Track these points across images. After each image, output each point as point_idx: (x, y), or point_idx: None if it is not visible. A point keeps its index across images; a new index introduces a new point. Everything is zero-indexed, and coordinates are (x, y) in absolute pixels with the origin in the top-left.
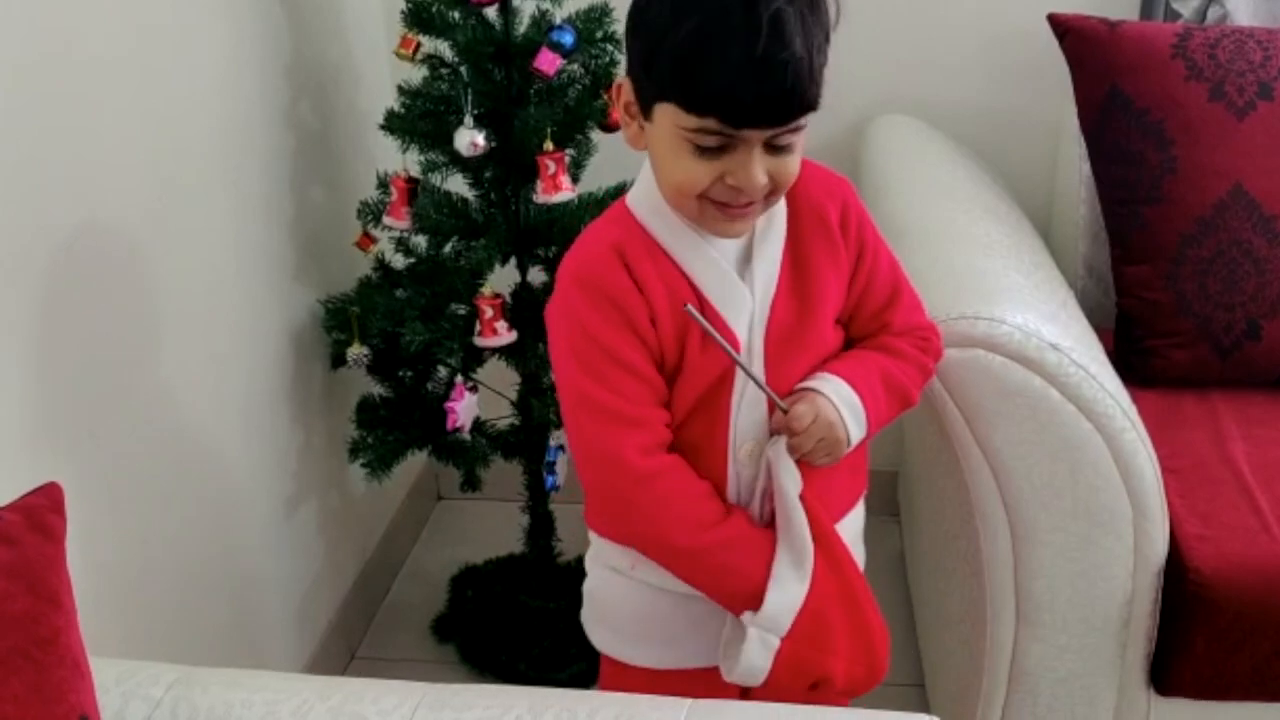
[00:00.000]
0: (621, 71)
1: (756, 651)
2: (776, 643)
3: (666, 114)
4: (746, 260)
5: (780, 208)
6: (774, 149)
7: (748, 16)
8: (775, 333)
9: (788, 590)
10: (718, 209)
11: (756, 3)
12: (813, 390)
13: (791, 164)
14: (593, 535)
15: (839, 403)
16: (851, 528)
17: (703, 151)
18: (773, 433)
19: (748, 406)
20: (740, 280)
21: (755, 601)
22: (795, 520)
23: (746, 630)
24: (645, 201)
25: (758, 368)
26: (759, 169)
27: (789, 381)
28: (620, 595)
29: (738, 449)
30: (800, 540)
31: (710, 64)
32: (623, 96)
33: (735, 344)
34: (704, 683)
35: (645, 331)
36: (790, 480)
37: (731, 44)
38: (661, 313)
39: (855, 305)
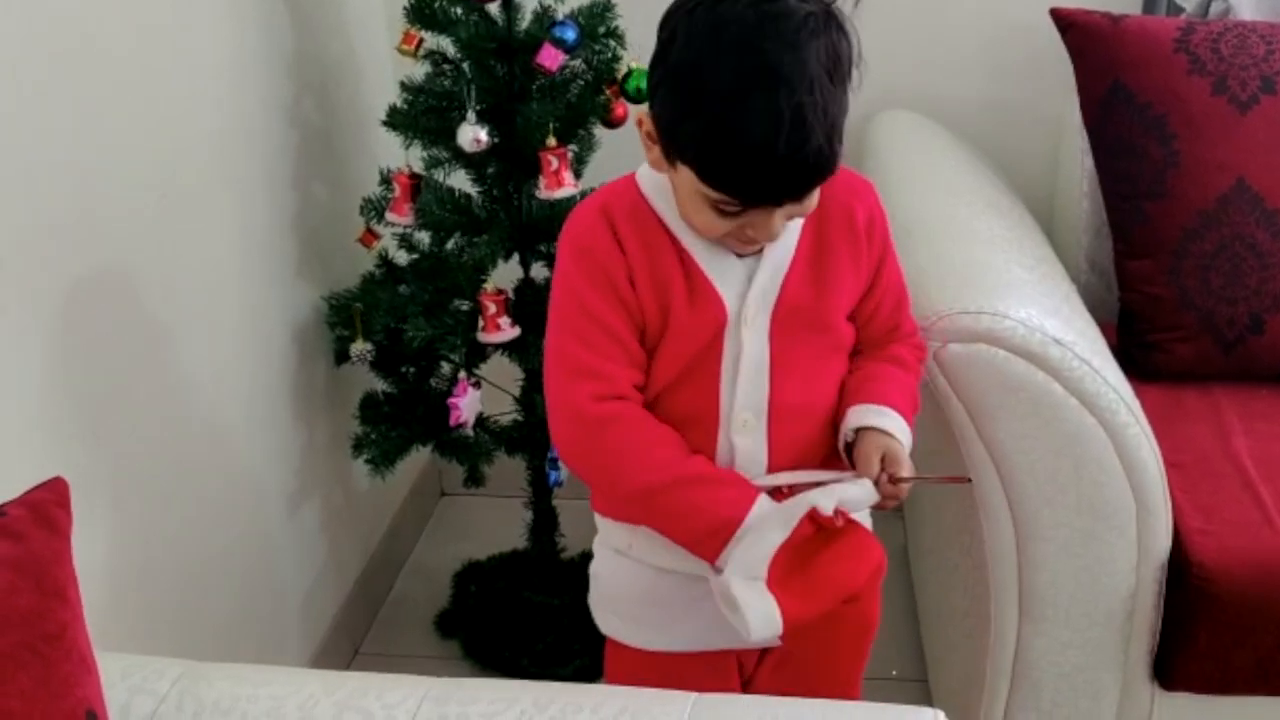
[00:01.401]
0: (624, 68)
1: (749, 598)
2: (762, 580)
3: (688, 173)
4: None
5: None
6: (794, 200)
7: (767, 110)
8: (784, 308)
9: (764, 537)
10: (736, 241)
11: (776, 94)
12: (885, 434)
13: (810, 202)
14: (597, 517)
15: (905, 441)
16: None
17: (723, 212)
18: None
19: (746, 375)
20: (734, 255)
21: (720, 538)
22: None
23: (729, 586)
24: (652, 179)
25: (759, 338)
26: (779, 224)
27: (794, 357)
28: (622, 577)
29: (733, 418)
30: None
31: (729, 157)
32: (645, 126)
33: (722, 309)
34: (707, 666)
35: (625, 291)
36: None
37: (750, 138)
38: (640, 271)
39: (871, 311)
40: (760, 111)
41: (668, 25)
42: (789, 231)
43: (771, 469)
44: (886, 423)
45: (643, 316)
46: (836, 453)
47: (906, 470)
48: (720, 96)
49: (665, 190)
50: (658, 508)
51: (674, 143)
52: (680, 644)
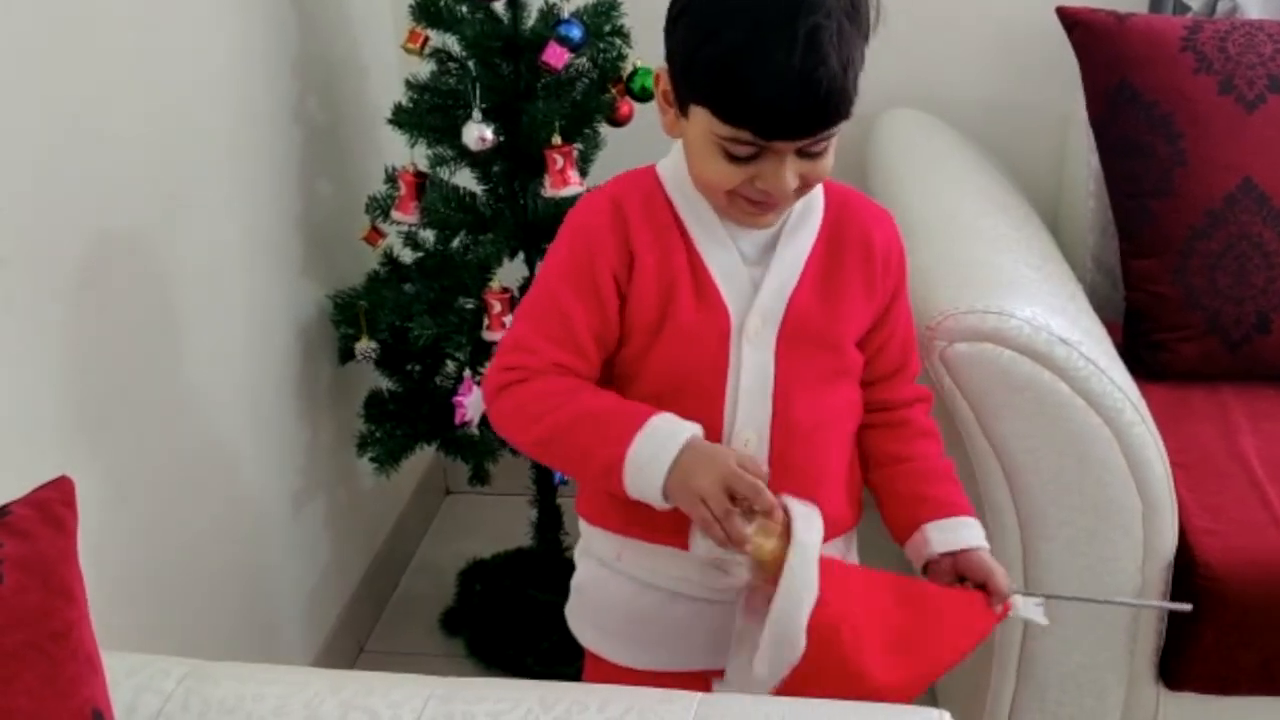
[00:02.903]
0: (629, 66)
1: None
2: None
3: (701, 117)
4: (771, 247)
5: (817, 206)
6: (806, 154)
7: (784, 32)
8: (792, 323)
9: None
10: (746, 203)
11: (795, 18)
12: (980, 550)
13: (823, 165)
14: (582, 524)
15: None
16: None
17: (735, 157)
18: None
19: (749, 391)
20: (741, 258)
21: (614, 477)
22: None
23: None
24: (672, 170)
25: (762, 353)
26: (790, 175)
27: (801, 375)
28: (607, 591)
29: (733, 438)
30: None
31: (745, 80)
32: (661, 84)
33: (725, 317)
34: (688, 686)
35: (604, 287)
36: None
37: (768, 60)
38: (645, 259)
39: (881, 344)
40: (776, 33)
41: None
42: (798, 243)
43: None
44: (982, 537)
45: (633, 308)
46: (841, 482)
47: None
48: (736, 22)
49: (684, 183)
50: (558, 455)
51: (688, 80)
52: (662, 663)
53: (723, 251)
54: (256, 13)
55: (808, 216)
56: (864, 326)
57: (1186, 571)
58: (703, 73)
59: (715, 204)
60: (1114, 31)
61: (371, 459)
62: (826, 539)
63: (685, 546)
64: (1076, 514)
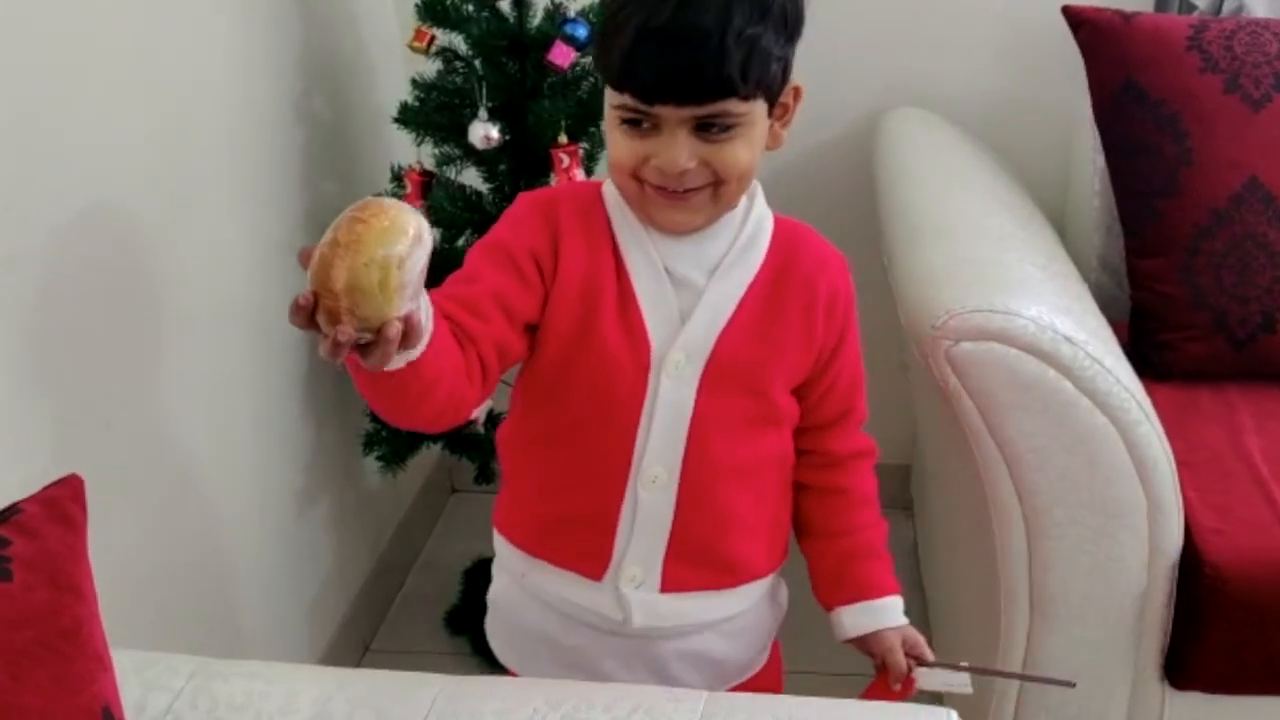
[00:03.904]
0: None
1: None
2: None
3: (607, 94)
4: (709, 276)
5: (762, 242)
6: (706, 134)
7: None
8: (717, 362)
9: None
10: (656, 192)
11: None
12: (884, 631)
13: (731, 153)
14: (496, 536)
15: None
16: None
17: (630, 130)
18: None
19: (661, 425)
20: (672, 286)
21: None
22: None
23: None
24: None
25: (681, 388)
26: (681, 152)
27: (720, 416)
28: (517, 608)
29: (643, 471)
30: None
31: (619, 36)
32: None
33: (646, 348)
34: None
35: (520, 257)
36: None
37: (643, 17)
38: (571, 267)
39: (824, 392)
40: None
41: None
42: (735, 278)
43: (675, 532)
44: (893, 616)
45: (553, 310)
46: (754, 529)
47: (930, 653)
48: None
49: (621, 203)
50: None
51: (596, 65)
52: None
53: (652, 275)
54: (261, 11)
55: (749, 252)
56: (800, 375)
57: (1192, 571)
58: (598, 45)
59: (629, 197)
60: (1120, 30)
61: (377, 458)
62: (734, 583)
63: (592, 574)
64: (1082, 513)
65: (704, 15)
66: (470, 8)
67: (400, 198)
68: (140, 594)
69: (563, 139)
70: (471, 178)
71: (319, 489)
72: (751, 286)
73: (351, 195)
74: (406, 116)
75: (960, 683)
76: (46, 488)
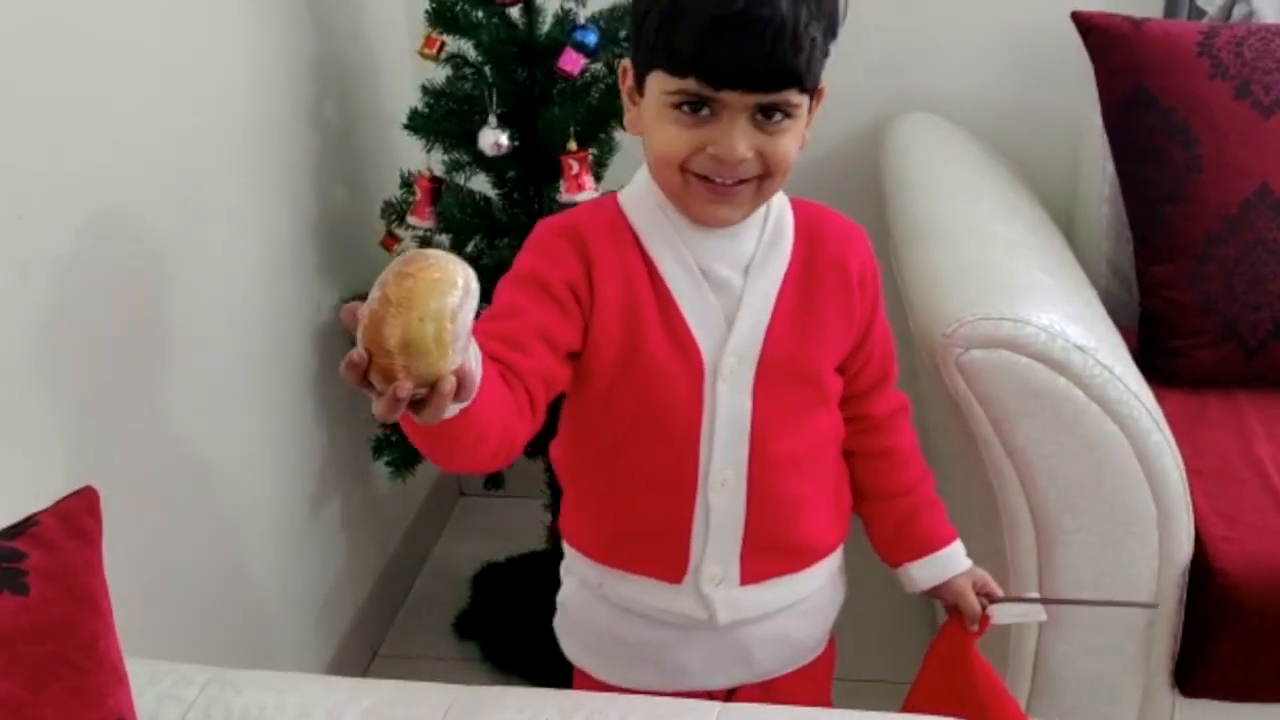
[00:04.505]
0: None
1: None
2: None
3: (653, 82)
4: (742, 271)
5: (787, 231)
6: (763, 124)
7: None
8: (769, 361)
9: None
10: (702, 185)
11: None
12: (954, 579)
13: (782, 144)
14: (566, 545)
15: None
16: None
17: (685, 118)
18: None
19: (724, 431)
20: (710, 287)
21: None
22: None
23: None
24: (633, 194)
25: (738, 393)
26: (741, 140)
27: (778, 412)
28: (590, 610)
29: (711, 476)
30: None
31: (689, 20)
32: (626, 79)
33: (698, 359)
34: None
35: (557, 289)
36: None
37: (706, 3)
38: (609, 289)
39: (862, 364)
40: None
41: None
42: (769, 273)
43: (749, 528)
44: (959, 563)
45: (597, 339)
46: (823, 509)
47: (998, 588)
48: None
49: (646, 205)
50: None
51: (640, 45)
52: (648, 683)
53: (689, 281)
54: (272, 18)
55: (777, 243)
56: (844, 352)
57: (1203, 579)
58: (652, 26)
59: (673, 192)
60: (1129, 36)
61: (387, 463)
62: (809, 563)
63: (670, 579)
64: (1092, 521)
65: (778, 6)
66: (480, 14)
67: (410, 204)
68: (152, 599)
69: (572, 145)
70: (481, 184)
71: (329, 493)
72: (786, 277)
73: (362, 201)
74: (416, 123)
75: (1034, 613)
76: (62, 500)
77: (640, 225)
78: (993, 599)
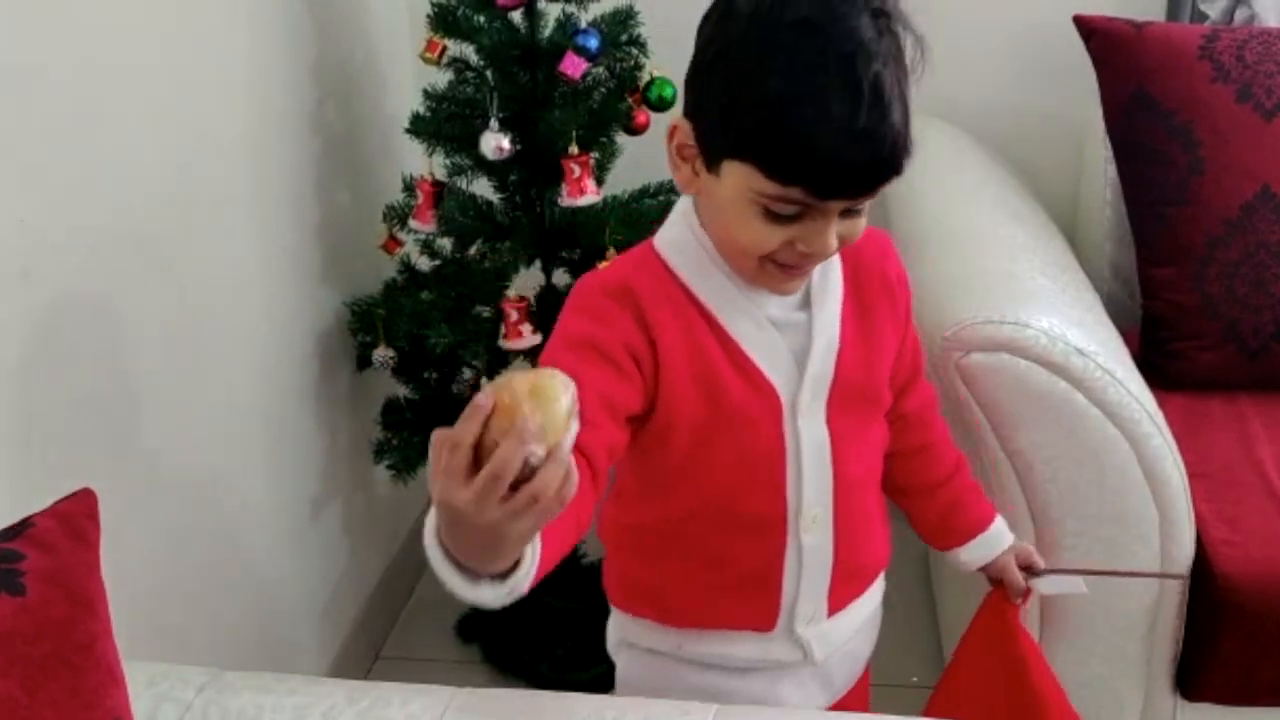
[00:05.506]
0: (646, 76)
1: None
2: None
3: (739, 173)
4: (799, 307)
5: (835, 259)
6: (850, 212)
7: (846, 79)
8: (840, 387)
9: None
10: (778, 269)
11: (854, 63)
12: (999, 558)
13: (861, 224)
14: (618, 613)
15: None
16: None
17: (776, 217)
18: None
19: (811, 467)
20: (773, 326)
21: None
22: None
23: None
24: (675, 244)
25: (818, 425)
26: (834, 237)
27: (849, 435)
28: (666, 678)
29: (803, 515)
30: None
31: (803, 133)
32: (677, 138)
33: (775, 398)
34: None
35: (614, 352)
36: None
37: (828, 112)
38: (674, 357)
39: (904, 363)
40: (836, 81)
41: (709, 20)
42: (829, 302)
43: (837, 561)
44: (1004, 540)
45: (668, 403)
46: (883, 522)
47: (1041, 560)
48: (787, 69)
49: (690, 253)
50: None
51: (727, 134)
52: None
53: (751, 324)
54: (274, 22)
55: (829, 269)
56: (895, 355)
57: (1204, 582)
58: (749, 126)
59: (741, 269)
60: (1131, 40)
61: (389, 466)
62: (873, 579)
63: (763, 627)
64: (1093, 524)
65: (893, 110)
66: (481, 18)
67: (412, 207)
68: (153, 601)
69: (574, 149)
70: (483, 188)
71: (330, 497)
72: (844, 302)
73: (364, 204)
74: (418, 127)
75: (1074, 586)
76: (60, 501)
77: (691, 280)
78: (1035, 571)
